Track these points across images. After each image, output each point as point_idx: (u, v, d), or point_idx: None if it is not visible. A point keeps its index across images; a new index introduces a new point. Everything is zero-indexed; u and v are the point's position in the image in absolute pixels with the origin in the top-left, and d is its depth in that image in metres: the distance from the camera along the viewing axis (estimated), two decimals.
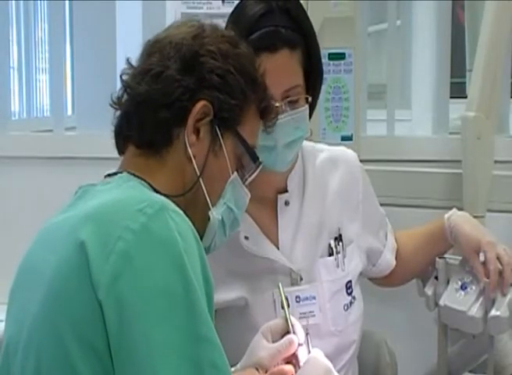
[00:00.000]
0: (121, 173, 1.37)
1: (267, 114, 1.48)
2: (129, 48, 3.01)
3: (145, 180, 1.34)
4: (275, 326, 1.51)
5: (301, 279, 1.74)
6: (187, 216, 1.36)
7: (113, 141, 2.74)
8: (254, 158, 1.45)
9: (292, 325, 1.49)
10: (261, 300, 1.71)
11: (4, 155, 2.60)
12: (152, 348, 1.15)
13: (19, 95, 4.07)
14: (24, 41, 4.00)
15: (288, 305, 1.55)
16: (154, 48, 1.41)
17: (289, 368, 1.46)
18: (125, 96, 1.41)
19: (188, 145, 1.36)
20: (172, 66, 1.36)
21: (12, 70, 3.47)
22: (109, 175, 1.40)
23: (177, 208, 1.26)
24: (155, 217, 1.21)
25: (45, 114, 4.34)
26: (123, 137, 1.42)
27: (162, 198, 1.28)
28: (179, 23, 1.46)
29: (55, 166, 2.59)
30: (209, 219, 1.41)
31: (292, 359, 1.47)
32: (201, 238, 1.41)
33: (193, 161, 1.36)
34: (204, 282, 1.24)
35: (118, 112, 1.43)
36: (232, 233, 1.49)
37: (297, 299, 1.73)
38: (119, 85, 2.91)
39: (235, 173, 1.43)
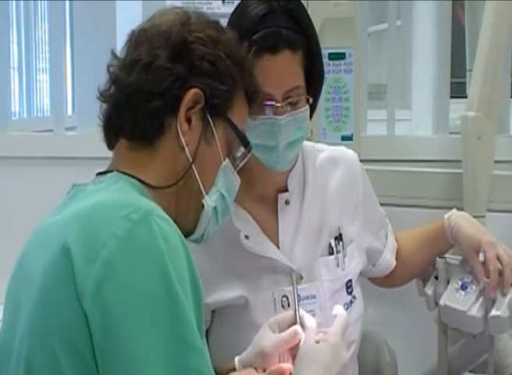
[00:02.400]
0: (112, 171, 1.36)
1: (254, 98, 1.48)
2: None
3: (136, 177, 1.33)
4: (283, 319, 1.52)
5: (301, 278, 1.74)
6: (181, 205, 1.37)
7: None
8: (245, 143, 1.45)
9: (300, 316, 1.49)
10: (261, 299, 1.71)
11: (4, 155, 2.60)
12: (136, 355, 1.14)
13: (20, 95, 4.07)
14: (24, 41, 4.00)
15: (298, 300, 1.56)
16: (141, 38, 1.39)
17: (287, 366, 1.46)
18: (113, 88, 1.40)
19: (181, 134, 1.36)
20: (161, 54, 1.35)
21: (12, 70, 3.47)
22: (100, 173, 1.39)
23: (162, 213, 1.25)
24: (140, 223, 1.20)
25: (45, 114, 4.34)
26: (114, 130, 1.41)
27: (148, 202, 1.27)
28: (162, 13, 1.44)
29: (55, 166, 2.58)
30: (203, 206, 1.40)
31: (297, 350, 1.47)
32: (195, 227, 1.41)
33: (186, 149, 1.36)
34: (192, 286, 1.22)
35: (104, 105, 1.41)
36: (224, 221, 1.48)
37: (298, 298, 1.72)
38: None
39: (227, 159, 1.42)
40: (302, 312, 1.53)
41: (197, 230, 1.42)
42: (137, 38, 1.40)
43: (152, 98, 1.34)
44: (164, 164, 1.36)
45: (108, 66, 1.41)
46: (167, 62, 1.35)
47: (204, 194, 1.40)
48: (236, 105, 1.42)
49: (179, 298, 1.18)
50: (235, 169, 1.45)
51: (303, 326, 1.50)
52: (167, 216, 1.26)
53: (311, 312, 1.73)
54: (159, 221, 1.22)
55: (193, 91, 1.35)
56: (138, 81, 1.35)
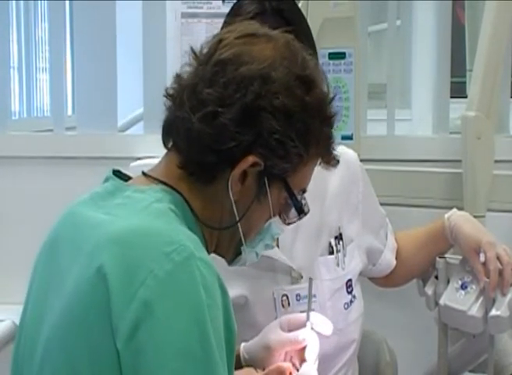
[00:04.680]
0: (156, 180, 1.31)
1: (328, 160, 1.40)
2: (129, 47, 3.02)
3: (184, 197, 1.29)
4: (295, 320, 1.52)
5: (301, 277, 1.74)
6: (220, 244, 1.35)
7: (112, 141, 2.72)
8: (299, 211, 1.37)
9: (311, 321, 1.49)
10: (261, 298, 1.71)
11: (4, 155, 2.60)
12: None
13: (20, 95, 4.07)
14: (24, 40, 3.99)
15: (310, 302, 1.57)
16: (218, 73, 1.28)
17: (287, 365, 1.46)
18: (178, 101, 1.30)
19: (231, 193, 1.29)
20: (230, 111, 1.26)
21: (12, 70, 3.47)
22: (145, 174, 1.33)
23: (204, 255, 1.21)
24: (182, 266, 1.16)
25: (45, 114, 4.34)
26: (170, 136, 1.34)
27: (190, 237, 1.22)
28: (252, 36, 1.32)
29: (55, 166, 2.58)
30: (241, 252, 1.38)
31: (301, 353, 1.47)
32: (233, 261, 1.40)
33: (234, 207, 1.30)
34: (227, 331, 1.20)
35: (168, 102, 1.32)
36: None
37: (297, 297, 1.73)
38: (119, 85, 2.90)
39: (277, 216, 1.37)
40: (318, 316, 1.52)
41: (233, 263, 1.41)
42: (215, 68, 1.28)
43: (209, 152, 1.27)
44: (210, 208, 1.31)
45: (178, 75, 1.32)
46: (233, 125, 1.26)
47: (244, 244, 1.36)
48: (299, 171, 1.34)
49: (212, 355, 1.15)
50: (286, 224, 1.40)
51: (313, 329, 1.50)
52: (208, 259, 1.21)
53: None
54: (201, 266, 1.18)
55: (252, 158, 1.27)
56: (199, 129, 1.26)
